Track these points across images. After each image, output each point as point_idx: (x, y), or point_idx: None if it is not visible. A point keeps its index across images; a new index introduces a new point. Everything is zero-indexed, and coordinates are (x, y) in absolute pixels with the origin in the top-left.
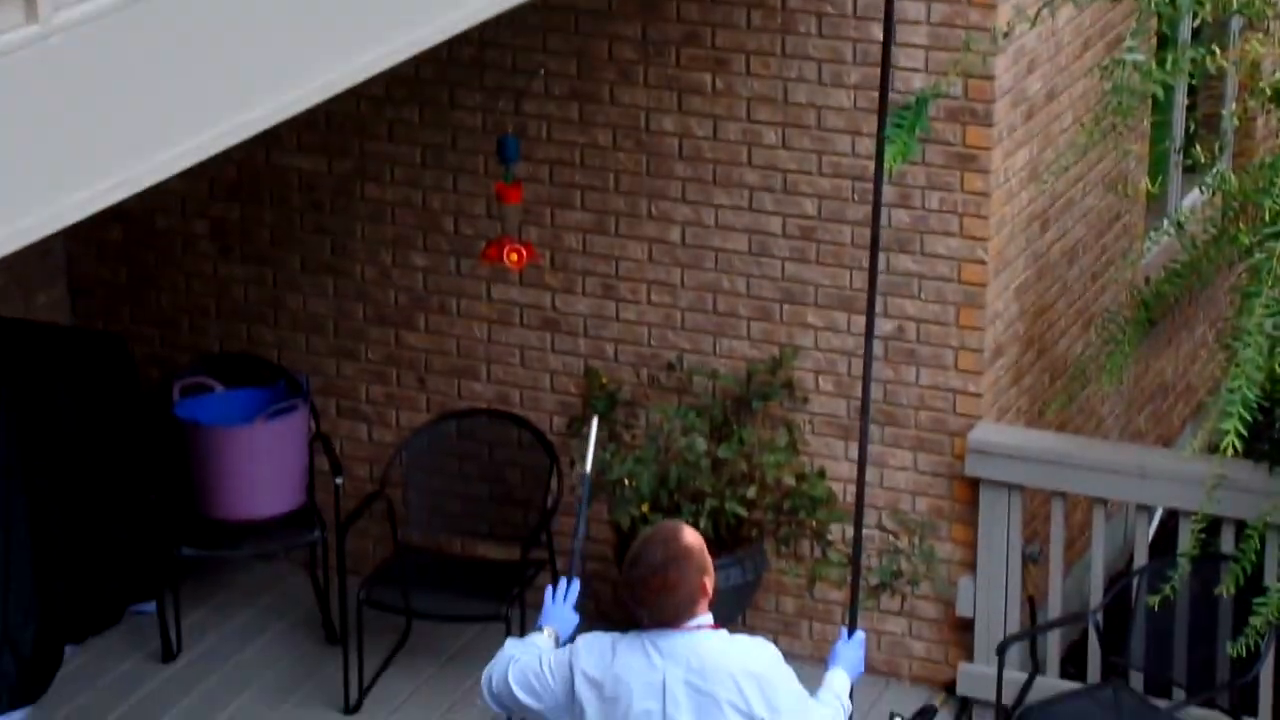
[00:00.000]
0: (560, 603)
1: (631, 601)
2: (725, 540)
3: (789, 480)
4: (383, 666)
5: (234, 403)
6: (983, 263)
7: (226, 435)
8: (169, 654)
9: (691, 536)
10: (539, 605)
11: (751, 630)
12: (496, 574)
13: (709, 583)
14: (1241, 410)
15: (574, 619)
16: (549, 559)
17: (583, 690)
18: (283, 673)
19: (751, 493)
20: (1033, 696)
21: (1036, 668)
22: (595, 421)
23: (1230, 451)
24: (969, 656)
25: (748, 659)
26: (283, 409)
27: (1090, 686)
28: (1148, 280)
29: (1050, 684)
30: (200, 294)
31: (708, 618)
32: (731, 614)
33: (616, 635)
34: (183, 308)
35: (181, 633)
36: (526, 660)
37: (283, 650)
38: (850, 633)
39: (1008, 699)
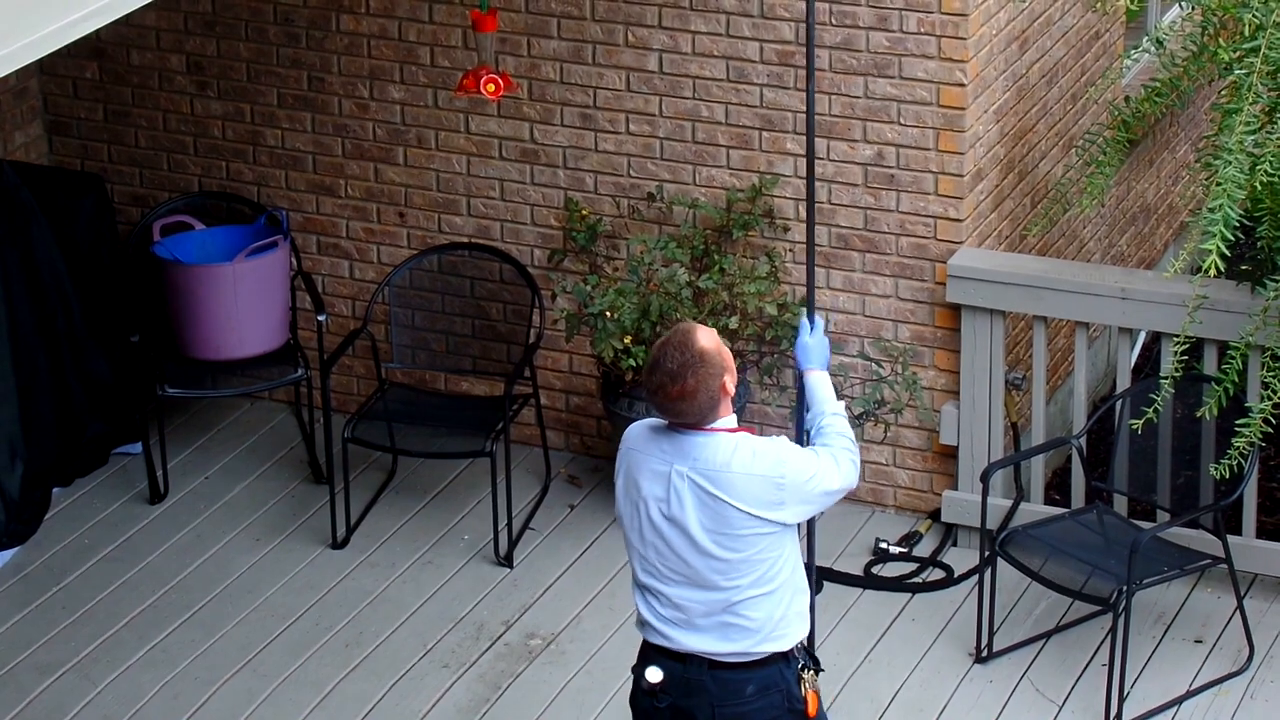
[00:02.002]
0: (810, 335)
1: (654, 408)
2: None
3: (771, 310)
4: (370, 504)
5: (214, 241)
6: (962, 85)
7: (207, 274)
8: (156, 495)
9: (706, 338)
10: (523, 440)
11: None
12: (480, 409)
13: (730, 381)
14: (1223, 230)
15: (824, 348)
16: (533, 393)
17: (619, 466)
18: (270, 511)
19: (734, 323)
20: (1016, 522)
21: (1020, 494)
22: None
23: (1212, 272)
24: (953, 484)
25: (755, 461)
26: (263, 246)
27: (1074, 511)
28: (1128, 99)
29: (1034, 510)
30: (178, 131)
31: (730, 419)
32: None
33: (658, 422)
34: (161, 145)
35: (168, 473)
36: None
37: (270, 489)
38: (811, 323)
39: (992, 525)
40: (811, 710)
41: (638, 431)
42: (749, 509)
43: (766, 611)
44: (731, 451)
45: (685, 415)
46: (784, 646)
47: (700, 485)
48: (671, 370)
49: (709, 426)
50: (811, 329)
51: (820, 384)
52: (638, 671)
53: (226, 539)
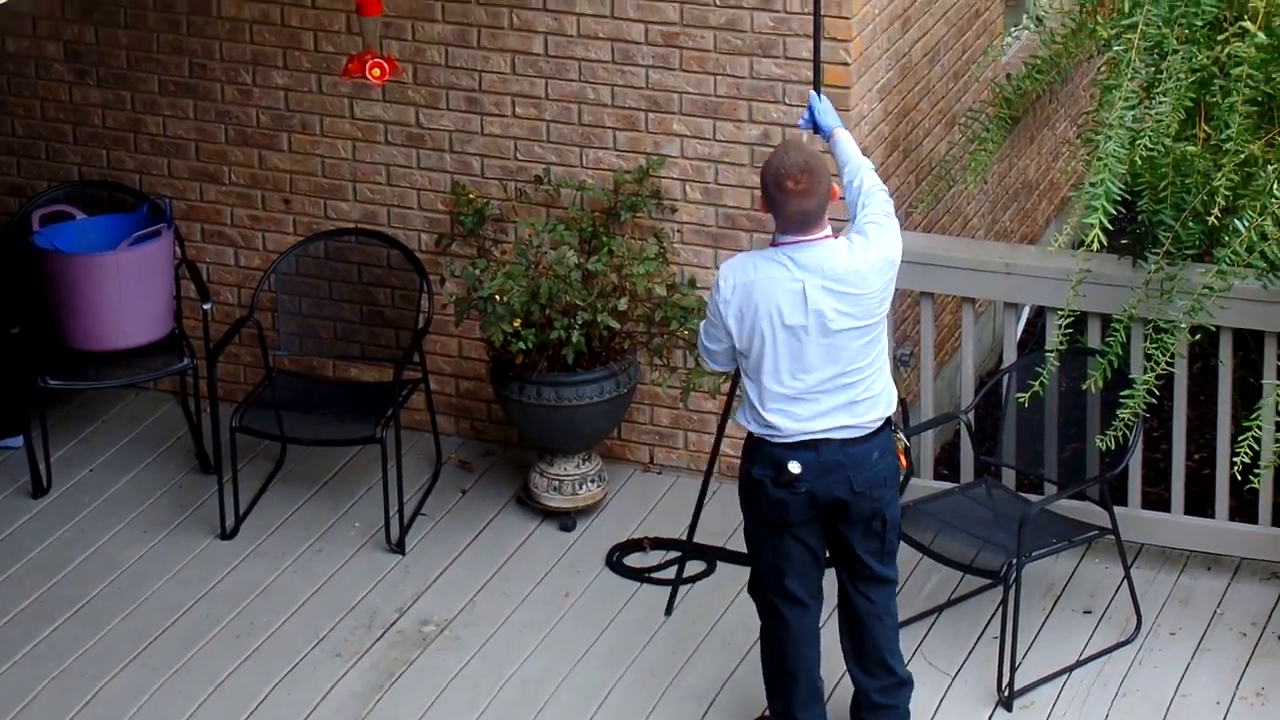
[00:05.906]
0: (820, 99)
1: (784, 204)
2: (598, 353)
3: (660, 291)
4: (259, 493)
5: (96, 230)
6: (845, 64)
7: (89, 263)
8: (39, 489)
9: (811, 147)
10: (413, 426)
11: (626, 444)
12: (370, 395)
13: (837, 186)
14: (1105, 204)
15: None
16: (422, 378)
17: (727, 314)
18: (158, 503)
19: (623, 304)
20: (906, 497)
21: (910, 469)
22: None
23: (1095, 246)
24: None
25: (871, 254)
26: (146, 235)
27: (963, 485)
28: (1009, 77)
29: (924, 485)
30: (56, 119)
31: (829, 228)
32: (606, 427)
33: (757, 253)
34: (39, 134)
35: (51, 467)
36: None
37: (156, 481)
38: (819, 93)
39: None
40: (904, 463)
41: (747, 263)
42: (878, 291)
43: (882, 383)
44: (848, 254)
45: (809, 206)
46: (891, 411)
47: (834, 290)
48: (799, 162)
49: (816, 234)
50: (819, 98)
51: (847, 141)
52: (770, 475)
53: (113, 532)
